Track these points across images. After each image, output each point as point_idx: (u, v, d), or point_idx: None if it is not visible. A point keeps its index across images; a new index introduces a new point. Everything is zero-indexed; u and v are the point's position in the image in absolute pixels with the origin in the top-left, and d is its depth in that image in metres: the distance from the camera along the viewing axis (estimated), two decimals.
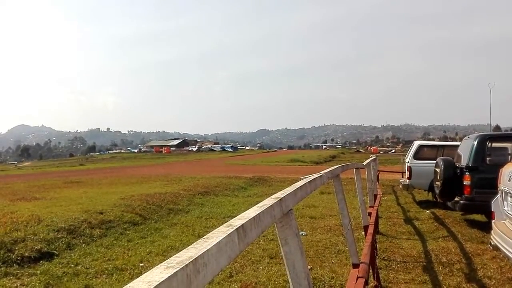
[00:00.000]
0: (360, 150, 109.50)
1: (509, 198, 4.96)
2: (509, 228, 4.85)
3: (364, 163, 8.16)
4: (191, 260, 0.82)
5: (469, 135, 9.71)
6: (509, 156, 8.21)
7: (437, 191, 9.06)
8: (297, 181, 2.43)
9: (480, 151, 8.04)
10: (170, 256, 0.85)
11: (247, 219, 1.21)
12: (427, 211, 10.45)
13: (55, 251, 6.48)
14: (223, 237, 1.00)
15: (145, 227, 8.54)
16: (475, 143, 8.15)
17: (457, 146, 10.54)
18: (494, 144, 8.50)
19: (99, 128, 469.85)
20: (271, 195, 1.74)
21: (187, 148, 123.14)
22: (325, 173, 3.13)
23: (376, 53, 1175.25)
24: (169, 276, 0.73)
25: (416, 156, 12.56)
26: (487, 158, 8.05)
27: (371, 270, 4.14)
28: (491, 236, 5.18)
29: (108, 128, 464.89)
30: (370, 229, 5.35)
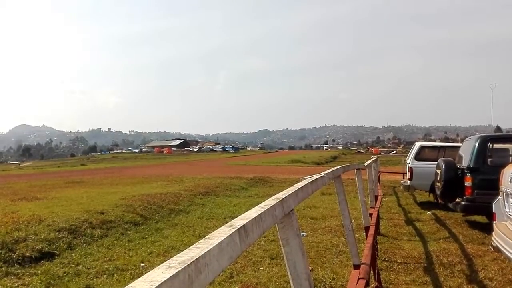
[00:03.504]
0: (361, 151, 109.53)
1: (510, 199, 4.95)
2: (510, 229, 4.84)
3: (365, 164, 8.15)
4: (192, 260, 0.82)
5: (470, 136, 9.71)
6: (511, 157, 8.20)
7: (438, 192, 9.04)
8: (298, 181, 2.42)
9: (482, 152, 8.03)
10: (171, 257, 0.85)
11: (249, 220, 1.20)
12: (428, 212, 10.43)
13: (56, 251, 6.48)
14: (224, 237, 1.00)
15: (146, 228, 8.55)
16: (477, 144, 8.14)
17: (458, 147, 10.53)
18: (496, 145, 8.48)
19: (100, 128, 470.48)
20: (272, 196, 1.74)
21: (188, 148, 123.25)
22: (326, 173, 3.12)
23: (377, 53, 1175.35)
24: (170, 276, 0.73)
25: (417, 157, 12.56)
26: (489, 159, 8.04)
27: (372, 271, 4.14)
28: (492, 238, 5.17)
29: (109, 128, 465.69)
30: (371, 230, 5.34)
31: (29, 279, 5.27)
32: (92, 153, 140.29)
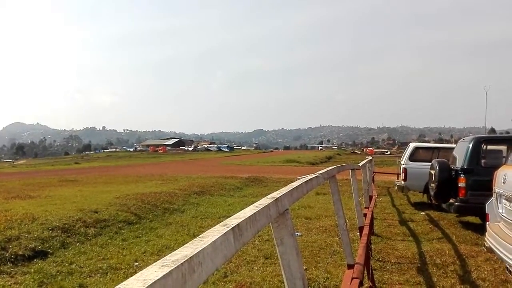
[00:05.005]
0: (356, 151, 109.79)
1: (503, 200, 4.98)
2: (503, 230, 4.87)
3: (360, 164, 8.18)
4: (186, 259, 0.81)
5: (464, 137, 9.76)
6: (504, 159, 8.25)
7: (432, 193, 9.08)
8: (292, 181, 2.43)
9: (475, 153, 8.08)
10: (165, 256, 0.85)
11: (243, 219, 1.20)
12: (422, 213, 10.48)
13: (49, 250, 6.44)
14: (218, 236, 1.00)
15: (140, 227, 8.52)
16: (470, 145, 8.18)
17: (452, 148, 10.58)
18: (489, 147, 8.53)
19: (94, 127, 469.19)
20: (267, 195, 1.73)
21: (183, 147, 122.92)
22: (321, 173, 3.13)
23: (373, 55, 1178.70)
24: (164, 275, 0.73)
25: (412, 158, 12.61)
26: (482, 161, 8.08)
27: (365, 271, 4.15)
28: (485, 238, 5.20)
29: (103, 127, 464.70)
30: (365, 230, 5.36)
31: (22, 278, 5.24)
32: (86, 152, 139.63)
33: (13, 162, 79.23)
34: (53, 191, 13.10)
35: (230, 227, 1.09)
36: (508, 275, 5.01)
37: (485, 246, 5.19)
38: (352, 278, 3.33)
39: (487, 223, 5.41)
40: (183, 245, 0.92)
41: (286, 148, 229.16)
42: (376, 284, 4.84)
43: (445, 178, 8.34)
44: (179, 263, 0.78)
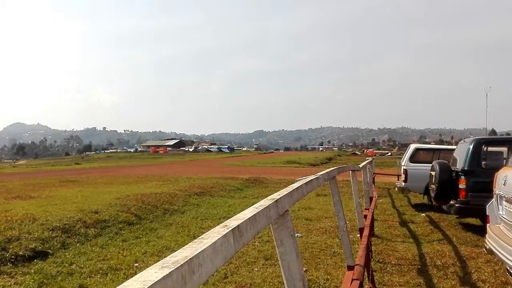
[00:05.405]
0: (357, 152, 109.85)
1: (504, 202, 4.98)
2: (503, 232, 4.87)
3: (360, 166, 8.17)
4: (186, 260, 0.81)
5: (465, 139, 9.75)
6: (504, 160, 8.25)
7: (432, 194, 9.08)
8: (293, 182, 2.42)
9: (476, 155, 8.07)
10: (165, 257, 0.85)
11: (243, 220, 1.20)
12: (423, 214, 10.47)
13: (49, 250, 6.44)
14: (218, 237, 1.00)
15: (140, 227, 8.52)
16: (471, 147, 8.18)
17: (453, 149, 10.57)
18: (490, 148, 8.53)
19: (95, 127, 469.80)
20: (267, 196, 1.74)
21: (184, 148, 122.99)
22: (321, 175, 3.13)
23: (373, 56, 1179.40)
24: (164, 276, 0.73)
25: (412, 159, 12.60)
26: (483, 162, 8.08)
27: (366, 273, 4.15)
28: (486, 240, 5.20)
29: (104, 127, 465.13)
30: (366, 232, 5.35)
31: (22, 278, 5.24)
32: (87, 152, 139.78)
33: (13, 162, 79.37)
34: (54, 191, 13.10)
35: (230, 229, 1.09)
36: (508, 276, 5.01)
37: (485, 247, 5.18)
38: (352, 280, 3.32)
39: (488, 224, 5.40)
40: (183, 246, 0.92)
41: (287, 149, 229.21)
42: (377, 286, 4.84)
43: (446, 179, 8.34)
44: (179, 264, 0.79)
